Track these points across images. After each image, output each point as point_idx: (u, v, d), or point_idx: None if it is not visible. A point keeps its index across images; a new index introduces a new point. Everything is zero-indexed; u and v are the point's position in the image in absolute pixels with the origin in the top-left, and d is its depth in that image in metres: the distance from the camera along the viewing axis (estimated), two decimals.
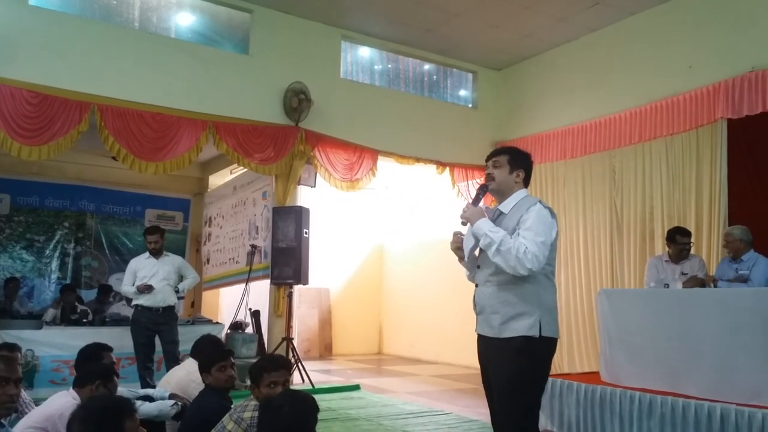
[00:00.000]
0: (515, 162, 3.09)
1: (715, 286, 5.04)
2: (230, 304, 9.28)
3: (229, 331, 7.62)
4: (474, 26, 7.89)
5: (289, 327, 7.49)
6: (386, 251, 12.44)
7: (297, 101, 7.44)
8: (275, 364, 3.09)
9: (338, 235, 11.52)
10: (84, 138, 6.50)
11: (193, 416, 3.45)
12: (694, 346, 4.43)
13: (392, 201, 12.10)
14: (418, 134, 8.49)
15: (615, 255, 7.34)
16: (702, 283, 5.22)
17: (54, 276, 9.50)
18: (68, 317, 7.16)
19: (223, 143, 7.15)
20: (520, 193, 3.07)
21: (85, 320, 7.03)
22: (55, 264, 9.55)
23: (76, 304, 7.71)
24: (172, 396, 3.92)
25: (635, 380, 4.77)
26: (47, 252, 9.50)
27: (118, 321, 6.88)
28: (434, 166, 8.63)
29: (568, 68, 8.24)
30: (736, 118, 6.19)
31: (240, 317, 7.92)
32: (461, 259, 3.17)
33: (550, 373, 3.17)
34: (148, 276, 6.18)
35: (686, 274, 5.42)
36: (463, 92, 9.47)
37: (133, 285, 6.18)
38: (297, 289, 8.30)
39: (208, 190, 10.76)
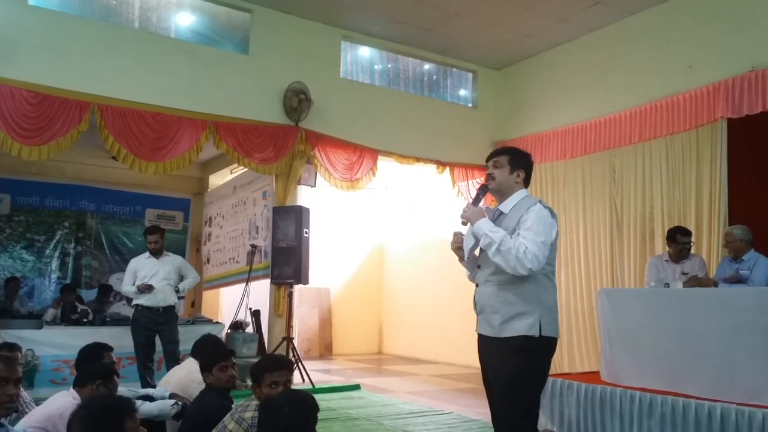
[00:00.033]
0: (516, 162, 3.09)
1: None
2: (230, 304, 9.28)
3: (229, 330, 7.62)
4: (474, 26, 7.89)
5: (289, 327, 7.49)
6: (386, 251, 12.44)
7: (297, 101, 7.44)
8: (277, 364, 3.09)
9: (338, 234, 11.52)
10: (84, 138, 6.50)
11: (194, 416, 3.46)
12: (694, 346, 4.43)
13: (392, 201, 12.10)
14: (418, 134, 8.49)
15: (615, 255, 7.34)
16: (711, 282, 5.20)
17: (54, 276, 9.51)
18: (68, 317, 7.17)
19: (223, 143, 7.15)
20: (520, 193, 3.07)
21: (85, 320, 7.03)
22: (55, 264, 9.56)
23: (77, 303, 7.72)
24: (172, 396, 3.92)
25: (635, 380, 4.76)
26: (47, 252, 9.50)
27: (118, 321, 6.88)
28: (434, 165, 8.63)
29: (568, 68, 8.23)
30: (736, 117, 6.19)
31: (240, 317, 7.92)
32: (461, 258, 3.17)
33: (551, 373, 3.17)
34: (148, 276, 6.18)
35: (687, 273, 5.42)
36: (463, 92, 9.47)
37: (134, 285, 6.18)
38: (297, 288, 8.30)
39: (208, 189, 10.77)
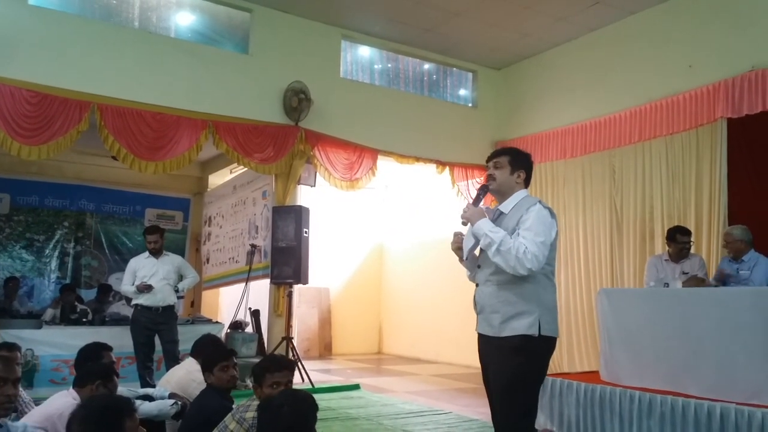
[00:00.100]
0: (516, 163, 3.10)
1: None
2: (230, 304, 9.28)
3: (228, 330, 7.62)
4: (474, 26, 7.89)
5: (288, 326, 7.49)
6: (386, 251, 12.44)
7: (297, 101, 7.44)
8: (278, 364, 3.09)
9: (338, 234, 11.52)
10: (84, 138, 6.50)
11: (194, 415, 3.46)
12: (694, 346, 4.43)
13: (392, 200, 12.10)
14: (417, 134, 8.49)
15: (615, 254, 7.34)
16: (702, 282, 5.22)
17: (54, 275, 9.50)
18: (68, 317, 7.16)
19: (223, 143, 7.15)
20: (521, 194, 3.08)
21: (84, 320, 7.03)
22: (54, 263, 9.55)
23: (76, 303, 7.71)
24: (171, 395, 3.92)
25: (635, 379, 4.77)
26: (47, 251, 9.50)
27: (117, 320, 6.88)
28: (434, 165, 8.63)
29: (567, 68, 8.24)
30: (736, 117, 6.19)
31: (240, 317, 7.92)
32: (461, 258, 3.18)
33: (550, 373, 3.18)
34: (147, 275, 6.18)
35: (686, 273, 5.43)
36: (462, 91, 9.47)
37: (133, 284, 6.18)
38: (297, 288, 8.31)
39: (208, 189, 10.77)
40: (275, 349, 7.17)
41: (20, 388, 2.89)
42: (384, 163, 8.29)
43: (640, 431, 4.47)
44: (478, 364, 3.15)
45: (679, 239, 5.57)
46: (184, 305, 9.44)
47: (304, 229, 7.44)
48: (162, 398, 3.87)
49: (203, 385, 3.63)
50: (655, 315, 4.75)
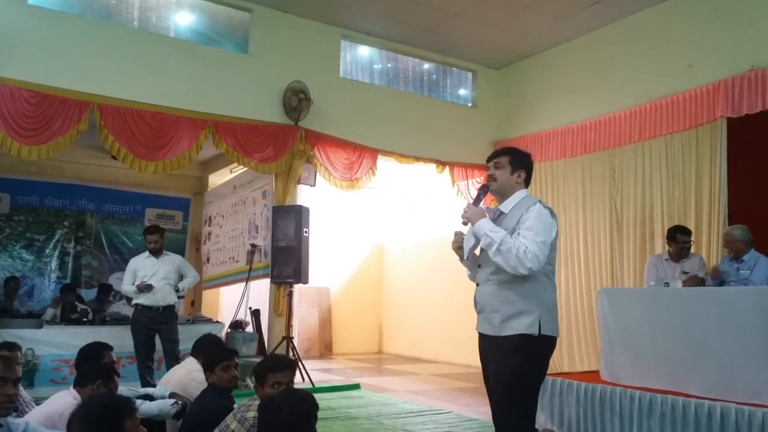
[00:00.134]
0: (517, 163, 3.10)
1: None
2: (230, 303, 9.28)
3: (229, 330, 7.62)
4: (473, 25, 7.89)
5: (289, 326, 7.50)
6: (386, 250, 12.44)
7: (296, 100, 7.44)
8: (280, 364, 3.10)
9: (338, 234, 11.52)
10: (84, 137, 6.50)
11: (195, 415, 3.46)
12: (694, 345, 4.43)
13: (392, 200, 12.10)
14: (417, 133, 8.49)
15: (615, 254, 7.34)
16: (702, 282, 5.22)
17: (54, 275, 9.51)
18: (68, 316, 7.17)
19: (223, 142, 7.15)
20: (521, 193, 3.08)
21: (85, 319, 7.04)
22: (55, 263, 9.56)
23: (76, 303, 7.72)
24: (172, 395, 3.92)
25: (635, 379, 4.77)
26: (47, 251, 9.51)
27: (118, 320, 6.88)
28: (434, 165, 8.63)
29: (567, 67, 8.23)
30: (736, 116, 6.19)
31: (240, 316, 7.92)
32: (462, 258, 3.18)
33: (550, 372, 3.18)
34: (148, 275, 6.18)
35: (686, 272, 5.43)
36: (462, 91, 9.47)
37: (133, 284, 6.18)
38: (297, 288, 8.31)
39: (208, 189, 10.77)
40: (275, 349, 7.17)
41: (21, 388, 2.89)
42: (384, 162, 8.29)
43: (640, 431, 4.47)
44: (479, 364, 3.15)
45: (679, 239, 5.57)
46: (184, 305, 9.44)
47: (304, 229, 7.44)
48: (162, 398, 3.87)
49: (204, 385, 3.63)
50: (656, 315, 4.75)
